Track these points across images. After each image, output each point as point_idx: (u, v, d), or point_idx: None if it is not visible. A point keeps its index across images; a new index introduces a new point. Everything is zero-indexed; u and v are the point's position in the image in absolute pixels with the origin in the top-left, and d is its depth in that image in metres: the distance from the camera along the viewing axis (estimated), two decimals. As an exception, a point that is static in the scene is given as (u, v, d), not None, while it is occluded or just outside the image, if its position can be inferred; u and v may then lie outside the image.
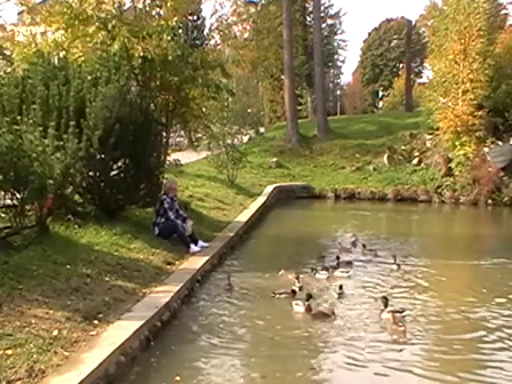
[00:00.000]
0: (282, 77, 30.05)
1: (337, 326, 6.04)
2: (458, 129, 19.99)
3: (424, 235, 13.34)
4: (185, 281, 6.85)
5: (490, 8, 20.86)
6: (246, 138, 23.21)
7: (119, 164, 8.49)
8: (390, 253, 9.66)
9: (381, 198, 19.85)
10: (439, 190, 19.68)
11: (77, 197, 8.17)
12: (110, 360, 4.31)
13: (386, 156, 22.23)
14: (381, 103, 55.76)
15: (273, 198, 17.53)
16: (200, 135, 16.85)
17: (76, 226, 7.47)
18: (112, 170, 8.42)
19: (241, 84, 28.58)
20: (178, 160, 12.52)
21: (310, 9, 34.48)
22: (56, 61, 8.51)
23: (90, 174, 8.15)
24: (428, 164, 21.05)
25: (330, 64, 46.91)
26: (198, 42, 14.74)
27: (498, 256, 9.97)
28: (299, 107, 37.89)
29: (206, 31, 14.43)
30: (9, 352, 3.97)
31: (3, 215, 6.66)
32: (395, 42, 52.73)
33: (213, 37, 12.93)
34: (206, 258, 8.21)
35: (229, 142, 18.06)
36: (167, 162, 11.26)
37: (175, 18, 9.69)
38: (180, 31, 10.93)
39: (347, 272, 8.34)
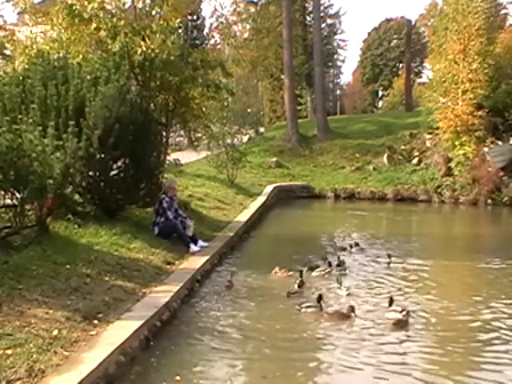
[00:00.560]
0: (282, 76, 30.05)
1: (338, 326, 6.05)
2: (458, 128, 19.98)
3: (424, 235, 13.34)
4: (185, 281, 6.85)
5: (489, 8, 20.84)
6: (245, 138, 23.22)
7: (119, 164, 8.49)
8: (385, 252, 9.68)
9: (380, 197, 19.85)
10: (439, 190, 19.68)
11: (77, 196, 8.16)
12: (109, 360, 4.31)
13: (385, 156, 22.23)
14: (381, 103, 55.78)
15: (273, 198, 17.54)
16: (200, 135, 16.87)
17: (76, 226, 7.46)
18: (112, 169, 8.41)
19: (240, 84, 28.62)
20: (178, 160, 12.52)
21: (310, 8, 34.49)
22: (56, 60, 8.49)
23: (90, 173, 8.15)
24: (428, 164, 21.06)
25: (330, 64, 46.90)
26: (197, 41, 14.75)
27: (498, 256, 9.97)
28: (299, 107, 37.92)
29: (205, 31, 14.44)
30: (9, 352, 3.97)
31: (3, 215, 6.65)
32: (395, 41, 52.74)
33: (213, 36, 12.94)
34: (206, 258, 8.21)
35: (228, 141, 18.06)
36: (167, 162, 11.26)
37: (178, 20, 9.71)
38: (180, 31, 10.94)
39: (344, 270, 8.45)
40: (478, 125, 19.77)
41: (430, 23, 25.17)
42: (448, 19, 20.69)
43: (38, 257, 5.90)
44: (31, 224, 6.59)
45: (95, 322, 4.97)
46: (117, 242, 7.46)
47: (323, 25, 36.98)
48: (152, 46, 9.26)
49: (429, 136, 22.10)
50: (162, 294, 6.13)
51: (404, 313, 6.13)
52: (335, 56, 48.13)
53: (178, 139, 20.47)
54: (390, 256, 9.27)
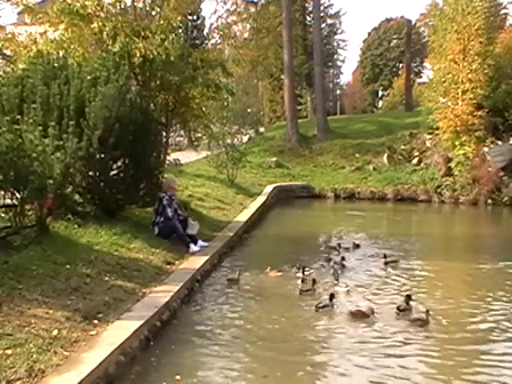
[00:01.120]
0: (282, 76, 30.05)
1: (338, 327, 6.05)
2: (458, 128, 19.97)
3: (424, 235, 13.32)
4: (184, 280, 6.85)
5: (488, 8, 20.82)
6: (245, 138, 23.21)
7: (119, 164, 8.49)
8: (388, 252, 9.68)
9: (380, 197, 19.83)
10: (439, 190, 19.67)
11: (77, 196, 8.16)
12: (109, 360, 4.31)
13: (385, 156, 22.22)
14: (380, 103, 55.79)
15: (272, 198, 17.53)
16: (200, 135, 16.85)
17: (76, 226, 7.47)
18: (112, 169, 8.42)
19: (240, 83, 28.58)
20: (178, 160, 12.52)
21: (310, 8, 34.49)
22: (56, 60, 8.49)
23: (90, 173, 8.16)
24: (428, 164, 21.04)
25: (330, 64, 46.92)
26: (197, 41, 14.75)
27: (498, 256, 9.97)
28: (299, 107, 37.92)
29: (205, 31, 14.44)
30: (8, 352, 3.97)
31: (3, 215, 6.65)
32: (395, 41, 52.75)
33: (213, 36, 12.93)
34: (206, 258, 8.21)
35: (228, 141, 18.06)
36: (167, 162, 11.26)
37: (178, 18, 9.70)
38: (180, 31, 10.94)
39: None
40: (478, 125, 19.76)
41: (430, 23, 25.12)
42: (448, 19, 20.69)
43: (38, 257, 5.90)
44: (31, 224, 6.59)
45: (95, 321, 4.97)
46: (117, 242, 7.46)
47: (323, 25, 36.99)
48: (151, 47, 9.25)
49: (429, 136, 22.08)
50: (162, 293, 6.13)
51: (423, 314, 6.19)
52: (335, 56, 48.17)
53: (177, 139, 20.46)
54: (385, 256, 9.26)
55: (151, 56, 9.44)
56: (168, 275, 7.05)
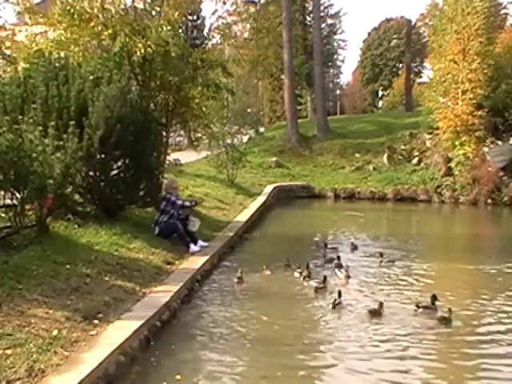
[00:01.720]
0: (282, 76, 30.06)
1: (339, 326, 6.05)
2: (458, 128, 19.98)
3: (424, 235, 13.32)
4: (184, 280, 6.85)
5: (488, 8, 20.82)
6: (245, 138, 23.21)
7: (119, 164, 8.50)
8: (388, 251, 9.69)
9: (380, 197, 19.85)
10: (439, 190, 19.68)
11: (77, 196, 8.17)
12: (109, 360, 4.31)
13: (385, 156, 22.23)
14: (380, 103, 55.80)
15: (273, 198, 17.54)
16: (200, 135, 16.85)
17: (76, 226, 7.47)
18: (112, 169, 8.42)
19: (241, 83, 28.55)
20: (178, 160, 12.51)
21: (310, 8, 34.48)
22: (56, 60, 8.48)
23: (90, 173, 8.16)
24: (428, 164, 21.05)
25: (330, 64, 46.92)
26: (197, 41, 14.74)
27: (498, 256, 9.97)
28: (299, 107, 37.93)
29: (205, 31, 14.41)
30: (8, 352, 3.98)
31: (3, 215, 6.65)
32: (395, 41, 52.75)
33: (213, 36, 12.91)
34: (206, 258, 8.21)
35: (229, 141, 18.06)
36: (167, 162, 11.25)
37: (178, 17, 9.70)
38: (180, 31, 10.93)
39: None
40: (478, 125, 19.77)
41: (430, 23, 25.11)
42: (447, 19, 20.69)
43: (38, 257, 5.90)
44: (31, 224, 6.59)
45: (95, 321, 4.98)
46: (117, 242, 7.46)
47: (323, 25, 36.98)
48: (150, 44, 9.24)
49: (429, 136, 22.09)
50: (162, 293, 6.14)
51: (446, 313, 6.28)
52: (335, 56, 48.18)
53: (177, 139, 20.45)
54: (381, 254, 9.35)
55: (151, 54, 9.43)
56: (168, 275, 7.05)
